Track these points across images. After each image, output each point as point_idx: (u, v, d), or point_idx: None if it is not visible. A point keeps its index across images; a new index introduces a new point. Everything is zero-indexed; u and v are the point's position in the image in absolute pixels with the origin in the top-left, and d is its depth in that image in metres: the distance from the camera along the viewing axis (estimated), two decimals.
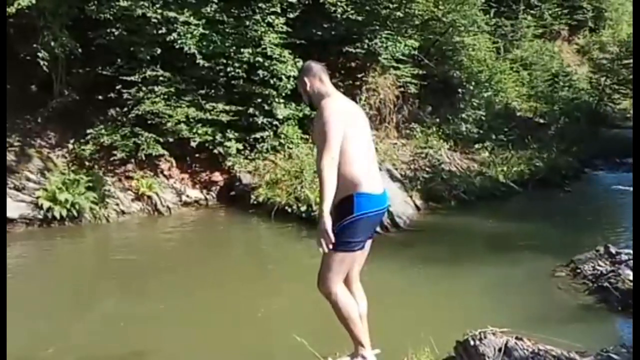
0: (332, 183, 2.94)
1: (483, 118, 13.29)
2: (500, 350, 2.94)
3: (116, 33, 9.40)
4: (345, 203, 3.05)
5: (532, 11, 18.14)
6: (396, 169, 10.57)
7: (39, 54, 8.89)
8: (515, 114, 14.62)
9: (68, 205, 8.53)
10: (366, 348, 3.19)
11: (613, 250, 6.56)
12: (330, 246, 2.96)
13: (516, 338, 3.02)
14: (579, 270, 6.46)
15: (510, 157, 11.93)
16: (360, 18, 11.09)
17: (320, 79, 3.26)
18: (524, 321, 4.30)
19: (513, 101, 15.05)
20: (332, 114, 3.07)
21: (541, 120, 14.81)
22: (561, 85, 16.28)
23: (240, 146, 10.21)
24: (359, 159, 3.07)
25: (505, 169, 11.44)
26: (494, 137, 12.80)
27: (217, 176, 10.24)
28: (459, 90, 13.65)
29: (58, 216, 8.47)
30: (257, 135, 10.32)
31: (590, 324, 5.18)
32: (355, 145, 3.07)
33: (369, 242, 3.31)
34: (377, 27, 11.51)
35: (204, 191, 10.12)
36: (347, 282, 3.26)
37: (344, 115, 3.09)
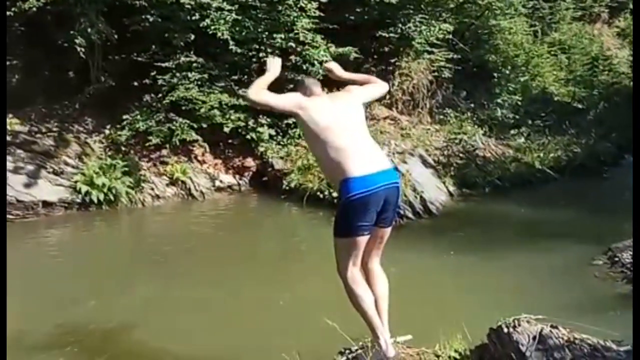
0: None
1: (519, 103, 13.05)
2: (534, 338, 2.89)
3: (151, 19, 9.49)
4: (338, 191, 3.19)
5: None
6: (429, 155, 10.47)
7: (76, 40, 9.02)
8: (552, 99, 14.29)
9: (105, 190, 8.71)
10: (380, 337, 3.20)
11: None
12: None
13: (551, 326, 2.97)
14: (617, 259, 6.32)
15: (547, 143, 11.69)
16: (394, 2, 10.92)
17: (311, 91, 3.53)
18: (559, 309, 4.22)
19: (550, 86, 14.73)
20: (293, 94, 3.49)
21: (579, 105, 14.43)
22: (600, 70, 15.87)
23: (273, 132, 10.25)
24: (341, 148, 3.19)
25: (541, 155, 11.21)
26: (530, 122, 12.55)
27: (250, 162, 10.30)
28: (495, 74, 13.43)
29: (95, 200, 8.65)
30: (290, 121, 10.32)
31: (627, 313, 5.05)
32: (334, 137, 3.23)
33: (387, 231, 3.35)
34: (411, 11, 11.35)
35: (237, 177, 10.19)
36: (362, 266, 3.34)
37: (308, 109, 3.33)
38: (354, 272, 3.23)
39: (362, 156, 3.21)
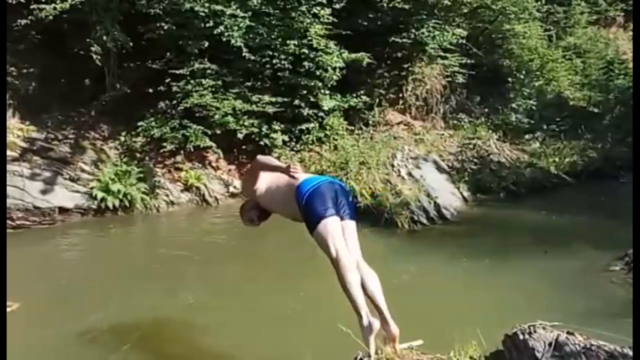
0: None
1: (534, 108, 12.98)
2: (550, 345, 2.86)
3: (165, 27, 9.57)
4: (296, 199, 3.66)
5: None
6: (443, 160, 10.45)
7: (92, 48, 9.12)
8: (567, 103, 14.19)
9: (120, 196, 8.79)
10: (361, 311, 3.37)
11: None
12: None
13: (567, 333, 2.93)
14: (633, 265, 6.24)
15: (562, 148, 11.61)
16: (407, 7, 10.95)
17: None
18: (575, 315, 4.18)
19: (565, 90, 14.61)
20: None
21: (595, 110, 14.30)
22: (616, 74, 15.68)
23: (286, 138, 10.27)
24: (282, 176, 3.73)
25: (557, 159, 11.14)
26: (545, 127, 12.48)
27: None
28: (509, 79, 13.38)
29: (111, 206, 8.74)
30: (303, 127, 10.35)
31: None
32: (276, 177, 3.85)
33: (351, 224, 3.66)
34: (424, 16, 11.35)
35: None
36: None
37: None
38: (343, 257, 3.44)
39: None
